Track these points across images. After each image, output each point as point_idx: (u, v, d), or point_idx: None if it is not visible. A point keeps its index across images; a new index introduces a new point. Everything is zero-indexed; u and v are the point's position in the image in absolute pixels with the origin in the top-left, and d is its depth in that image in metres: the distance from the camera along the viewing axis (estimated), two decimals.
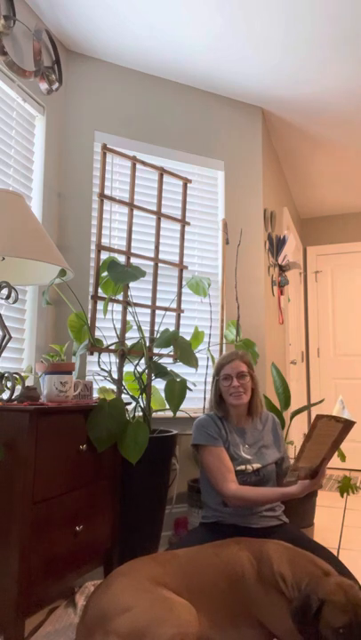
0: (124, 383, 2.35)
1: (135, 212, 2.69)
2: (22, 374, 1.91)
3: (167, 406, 2.45)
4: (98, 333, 2.53)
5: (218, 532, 1.76)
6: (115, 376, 2.39)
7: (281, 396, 2.66)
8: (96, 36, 2.57)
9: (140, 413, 2.56)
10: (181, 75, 2.90)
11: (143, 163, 2.42)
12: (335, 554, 2.28)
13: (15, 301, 1.78)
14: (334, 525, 2.94)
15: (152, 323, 2.38)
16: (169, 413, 2.65)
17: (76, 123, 2.69)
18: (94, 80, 2.76)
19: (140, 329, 2.28)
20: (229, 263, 3.00)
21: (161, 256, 2.80)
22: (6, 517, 1.48)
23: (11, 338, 1.80)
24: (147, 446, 2.04)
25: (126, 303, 2.31)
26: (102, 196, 2.27)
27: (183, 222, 2.53)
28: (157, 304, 2.69)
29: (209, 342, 2.70)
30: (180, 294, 2.48)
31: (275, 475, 1.85)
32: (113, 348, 2.24)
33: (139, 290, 2.70)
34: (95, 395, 2.43)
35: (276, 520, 1.78)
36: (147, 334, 2.52)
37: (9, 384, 1.76)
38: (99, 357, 2.28)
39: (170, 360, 2.65)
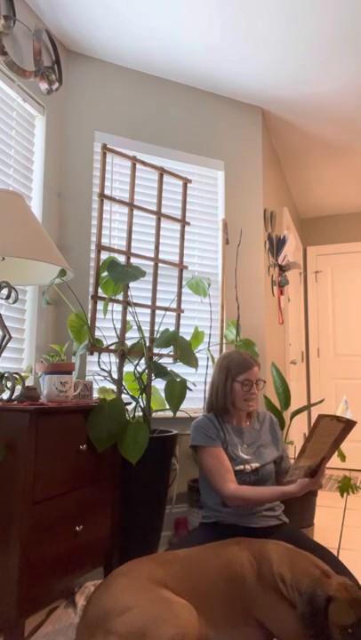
0: (124, 383, 2.35)
1: (135, 212, 2.69)
2: (22, 374, 1.91)
3: (167, 406, 2.45)
4: (98, 333, 2.53)
5: (218, 532, 1.76)
6: (115, 376, 2.39)
7: (281, 396, 2.66)
8: (96, 36, 2.57)
9: (140, 413, 2.56)
10: (181, 75, 2.90)
11: (143, 163, 2.42)
12: (335, 554, 2.28)
13: (15, 301, 1.78)
14: (334, 525, 2.94)
15: (152, 323, 2.38)
16: (169, 413, 2.65)
17: (76, 123, 2.69)
18: (94, 80, 2.76)
19: (140, 329, 2.28)
20: (229, 263, 3.00)
21: (161, 256, 2.80)
22: (6, 517, 1.48)
23: (11, 338, 1.80)
24: (147, 446, 2.04)
25: (126, 303, 2.31)
26: (102, 195, 2.27)
27: (183, 222, 2.53)
28: (157, 304, 2.69)
29: (209, 342, 2.70)
30: (180, 294, 2.48)
31: (274, 474, 1.85)
32: (113, 348, 2.24)
33: (139, 290, 2.70)
34: (95, 395, 2.43)
35: (276, 520, 1.78)
36: (147, 334, 2.52)
37: (9, 384, 1.76)
38: (99, 357, 2.28)
39: (170, 360, 2.65)
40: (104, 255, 2.61)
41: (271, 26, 2.47)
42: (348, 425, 1.51)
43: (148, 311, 2.71)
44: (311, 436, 1.50)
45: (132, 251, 2.70)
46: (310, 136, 3.55)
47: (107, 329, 2.58)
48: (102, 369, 2.32)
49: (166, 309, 2.42)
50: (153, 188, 2.84)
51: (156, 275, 2.41)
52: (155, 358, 2.35)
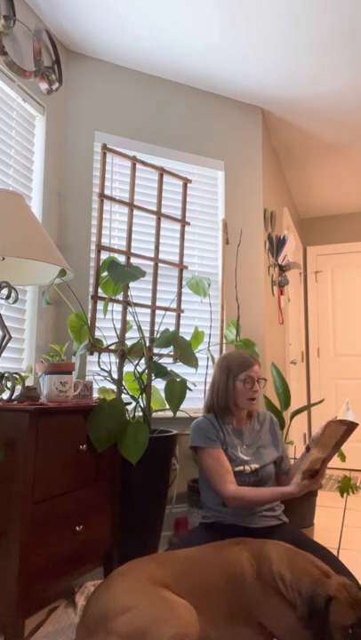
0: (124, 383, 2.35)
1: (135, 211, 2.69)
2: (22, 374, 1.91)
3: (167, 406, 2.45)
4: (98, 333, 2.53)
5: (218, 532, 1.76)
6: (115, 376, 2.39)
7: (281, 396, 2.66)
8: (96, 36, 2.57)
9: (140, 413, 2.56)
10: (181, 75, 2.90)
11: (143, 163, 2.42)
12: (335, 554, 2.27)
13: (15, 301, 1.78)
14: (334, 525, 2.94)
15: (152, 323, 2.38)
16: (169, 413, 2.65)
17: (76, 123, 2.69)
18: (94, 80, 2.76)
19: (140, 329, 2.28)
20: (229, 263, 3.00)
21: (161, 256, 2.80)
22: (6, 517, 1.48)
23: (11, 338, 1.80)
24: (147, 446, 2.04)
25: (126, 303, 2.31)
26: (102, 195, 2.27)
27: (183, 222, 2.53)
28: (157, 304, 2.69)
29: (209, 342, 2.70)
30: (180, 294, 2.48)
31: (274, 474, 1.85)
32: (113, 348, 2.24)
33: (139, 290, 2.70)
34: (95, 395, 2.43)
35: (276, 520, 1.78)
36: (147, 334, 2.52)
37: (9, 384, 1.76)
38: (99, 357, 2.28)
39: (170, 360, 2.65)
40: (104, 255, 2.61)
41: (271, 26, 2.47)
42: (351, 427, 1.52)
43: (148, 311, 2.71)
44: (318, 442, 1.51)
45: (132, 251, 2.70)
46: (310, 136, 3.55)
47: (107, 329, 2.58)
48: (102, 369, 2.32)
49: (166, 309, 2.42)
50: (153, 187, 2.84)
51: (156, 275, 2.41)
52: (155, 358, 2.35)
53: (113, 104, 2.79)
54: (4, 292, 1.99)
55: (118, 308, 2.62)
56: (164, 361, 2.62)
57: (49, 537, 1.58)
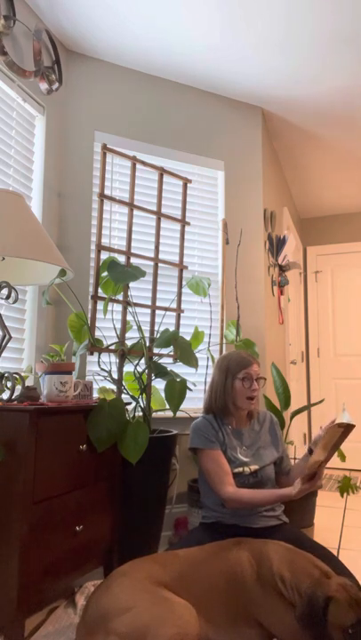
0: (124, 383, 2.35)
1: (135, 211, 2.69)
2: (22, 374, 1.91)
3: (167, 406, 2.45)
4: (98, 333, 2.53)
5: (218, 532, 1.76)
6: (115, 376, 2.39)
7: (281, 396, 2.66)
8: (96, 35, 2.57)
9: (140, 413, 2.56)
10: (181, 75, 2.90)
11: (143, 163, 2.42)
12: (335, 554, 2.27)
13: (15, 301, 1.78)
14: (334, 525, 2.94)
15: (152, 323, 2.38)
16: (169, 413, 2.65)
17: (76, 123, 2.69)
18: (94, 80, 2.76)
19: (140, 329, 2.28)
20: (229, 263, 3.00)
21: (161, 256, 2.80)
22: (6, 517, 1.48)
23: (11, 338, 1.80)
24: (147, 446, 2.04)
25: (126, 303, 2.31)
26: (102, 196, 2.27)
27: (183, 222, 2.53)
28: (157, 304, 2.69)
29: (209, 342, 2.70)
30: (180, 294, 2.48)
31: (273, 475, 1.85)
32: (113, 347, 2.24)
33: (139, 290, 2.70)
34: (95, 395, 2.43)
35: (276, 520, 1.78)
36: (147, 334, 2.52)
37: (9, 384, 1.76)
38: (99, 357, 2.28)
39: (170, 360, 2.65)
40: (104, 255, 2.61)
41: (271, 26, 2.47)
42: (348, 429, 1.53)
43: (148, 311, 2.71)
44: (319, 444, 1.52)
45: (132, 251, 2.70)
46: (310, 136, 3.55)
47: (107, 329, 2.58)
48: (102, 369, 2.32)
49: (166, 309, 2.42)
50: (153, 188, 2.84)
51: (156, 275, 2.41)
52: (155, 358, 2.35)
53: (113, 104, 2.79)
54: (4, 291, 1.99)
55: (118, 308, 2.62)
56: (164, 361, 2.62)
57: (49, 537, 1.58)
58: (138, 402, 2.22)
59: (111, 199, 2.29)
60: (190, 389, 2.21)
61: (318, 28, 2.48)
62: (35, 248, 1.68)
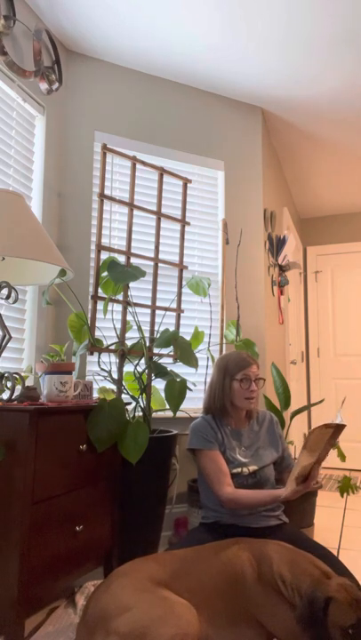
0: (124, 383, 2.35)
1: (135, 211, 2.69)
2: (22, 374, 1.91)
3: (167, 406, 2.45)
4: (98, 333, 2.53)
5: (218, 532, 1.76)
6: (115, 376, 2.39)
7: (281, 396, 2.66)
8: (96, 36, 2.57)
9: (140, 413, 2.56)
10: (181, 75, 2.90)
11: (143, 163, 2.42)
12: (335, 554, 2.27)
13: (15, 301, 1.78)
14: (334, 525, 2.94)
15: (152, 323, 2.38)
16: (169, 413, 2.65)
17: (76, 123, 2.69)
18: (94, 80, 2.76)
19: (140, 329, 2.28)
20: (229, 263, 3.00)
21: (161, 256, 2.80)
22: (6, 517, 1.48)
23: (11, 338, 1.80)
24: (147, 446, 2.04)
25: (126, 303, 2.31)
26: (102, 196, 2.27)
27: (183, 222, 2.53)
28: (157, 304, 2.69)
29: (209, 342, 2.70)
30: (180, 294, 2.48)
31: (273, 476, 1.85)
32: (113, 347, 2.24)
33: (139, 290, 2.70)
34: (95, 395, 2.43)
35: (276, 520, 1.78)
36: (147, 334, 2.52)
37: (9, 384, 1.76)
38: (99, 357, 2.28)
39: (170, 360, 2.65)
40: (104, 255, 2.61)
41: (271, 26, 2.47)
42: (338, 429, 1.52)
43: (148, 311, 2.71)
44: (304, 447, 1.51)
45: (132, 251, 2.70)
46: (310, 136, 3.55)
47: (107, 329, 2.58)
48: (102, 369, 2.32)
49: (166, 309, 2.42)
50: (153, 188, 2.84)
51: (156, 275, 2.41)
52: (155, 358, 2.35)
53: (113, 104, 2.79)
54: (4, 291, 1.99)
55: (118, 308, 2.62)
56: (164, 361, 2.62)
57: (49, 537, 1.58)
58: (138, 402, 2.22)
59: (111, 199, 2.29)
60: (190, 389, 2.21)
61: (318, 29, 2.48)
62: (35, 248, 1.68)
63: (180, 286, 2.48)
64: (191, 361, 2.23)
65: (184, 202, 2.54)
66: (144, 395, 2.26)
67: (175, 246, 2.86)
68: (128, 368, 2.50)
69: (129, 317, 2.59)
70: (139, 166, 2.76)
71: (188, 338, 2.73)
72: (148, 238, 2.77)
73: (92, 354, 2.18)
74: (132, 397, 2.23)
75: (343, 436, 4.81)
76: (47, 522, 1.57)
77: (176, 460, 2.66)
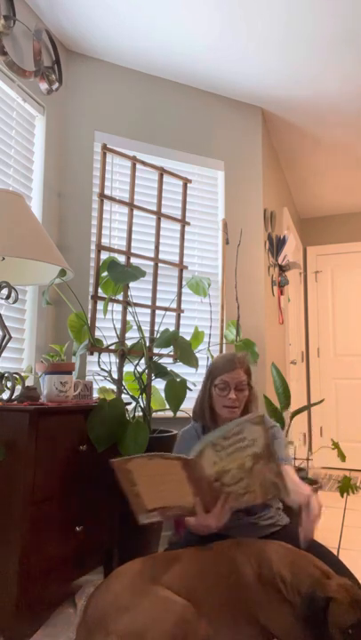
0: (124, 383, 2.35)
1: (135, 211, 2.69)
2: (22, 374, 1.91)
3: (167, 406, 2.45)
4: (98, 333, 2.53)
5: (217, 532, 1.74)
6: (115, 376, 2.38)
7: (281, 396, 2.65)
8: (96, 36, 2.57)
9: (140, 413, 2.56)
10: (181, 75, 2.90)
11: (143, 163, 2.42)
12: (335, 554, 2.27)
13: (15, 301, 1.78)
14: (334, 525, 2.94)
15: (152, 323, 2.38)
16: (169, 413, 2.64)
17: (76, 123, 2.69)
18: (94, 80, 2.76)
19: (140, 329, 2.28)
20: (229, 263, 3.00)
21: (161, 256, 2.80)
22: (6, 517, 1.48)
23: (11, 338, 1.80)
24: (147, 446, 2.04)
25: (126, 303, 2.31)
26: (102, 196, 2.27)
27: (183, 222, 2.53)
28: (157, 304, 2.69)
29: (209, 342, 2.70)
30: (180, 294, 2.48)
31: None
32: (113, 347, 2.24)
33: (139, 290, 2.70)
34: (95, 395, 2.43)
35: (274, 527, 1.71)
36: (147, 334, 2.52)
37: (9, 384, 1.76)
38: (99, 357, 2.28)
39: (170, 360, 2.64)
40: (104, 255, 2.61)
41: (271, 26, 2.47)
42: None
43: (148, 311, 2.71)
44: (127, 483, 1.38)
45: (132, 251, 2.70)
46: (310, 136, 3.55)
47: (107, 329, 2.58)
48: (102, 369, 2.32)
49: (166, 309, 2.42)
50: (153, 188, 2.84)
51: (156, 275, 2.41)
52: (155, 358, 2.35)
53: (113, 104, 2.79)
54: (4, 291, 1.99)
55: (118, 308, 2.62)
56: (164, 361, 2.61)
57: (49, 537, 1.58)
58: (138, 402, 2.22)
59: (111, 199, 2.29)
60: (190, 389, 2.21)
61: (319, 29, 2.48)
62: (35, 248, 1.68)
63: (180, 286, 2.48)
64: (191, 361, 2.23)
65: (184, 202, 2.54)
66: (144, 395, 2.26)
67: (175, 246, 2.86)
68: (128, 368, 2.50)
69: (129, 317, 2.59)
70: (139, 166, 2.76)
71: (188, 338, 2.73)
72: (148, 238, 2.77)
73: (92, 354, 2.18)
74: (132, 397, 2.23)
75: (343, 435, 4.81)
76: (47, 522, 1.57)
77: None
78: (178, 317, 2.48)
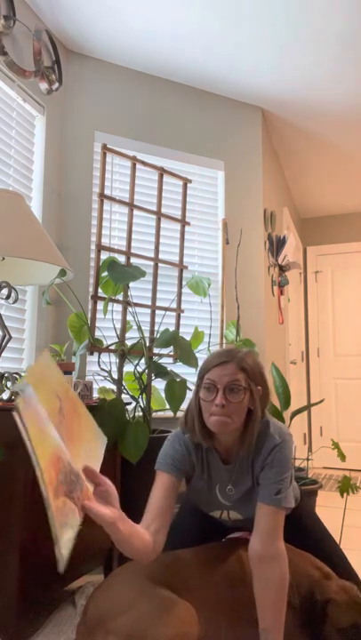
0: (124, 383, 2.35)
1: (135, 212, 2.69)
2: (22, 374, 1.91)
3: (167, 406, 2.45)
4: (98, 333, 2.53)
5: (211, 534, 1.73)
6: (115, 376, 2.38)
7: (281, 396, 2.65)
8: (96, 36, 2.57)
9: (140, 413, 2.56)
10: (181, 74, 2.90)
11: (143, 163, 2.42)
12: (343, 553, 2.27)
13: (15, 301, 1.78)
14: (334, 525, 2.94)
15: (152, 323, 2.38)
16: (169, 413, 2.64)
17: (76, 123, 2.69)
18: (94, 80, 2.76)
19: (140, 329, 2.28)
20: (229, 263, 3.00)
21: (161, 256, 2.80)
22: (6, 517, 1.48)
23: (11, 338, 1.80)
24: (147, 446, 2.04)
25: (126, 303, 2.31)
26: (102, 196, 2.27)
27: (183, 222, 2.53)
28: (157, 304, 2.69)
29: (209, 342, 2.70)
30: (180, 294, 2.48)
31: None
32: (113, 348, 2.24)
33: (139, 290, 2.70)
34: (95, 395, 2.43)
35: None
36: (147, 334, 2.52)
37: (9, 384, 1.76)
38: (99, 357, 2.28)
39: (170, 360, 2.64)
40: (104, 255, 2.61)
41: (272, 26, 2.47)
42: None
43: (148, 311, 2.71)
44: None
45: (132, 251, 2.70)
46: (310, 136, 3.55)
47: (107, 329, 2.58)
48: (102, 369, 2.32)
49: (166, 309, 2.42)
50: (153, 188, 2.84)
51: (156, 275, 2.41)
52: (155, 358, 2.35)
53: (113, 104, 2.79)
54: (4, 291, 1.99)
55: (118, 308, 2.62)
56: (164, 361, 2.61)
57: (49, 537, 1.58)
58: (138, 402, 2.22)
59: (111, 199, 2.29)
60: (190, 389, 2.21)
61: (319, 29, 2.48)
62: (35, 248, 1.68)
63: (180, 286, 2.48)
64: (191, 361, 2.23)
65: (184, 202, 2.54)
66: (144, 395, 2.26)
67: (175, 246, 2.86)
68: (128, 368, 2.50)
69: (129, 317, 2.59)
70: (139, 166, 2.76)
71: (188, 338, 2.73)
72: (148, 238, 2.77)
73: (92, 354, 2.18)
74: (132, 397, 2.23)
75: (343, 435, 4.81)
76: (47, 522, 1.57)
77: None
78: (178, 317, 2.48)
